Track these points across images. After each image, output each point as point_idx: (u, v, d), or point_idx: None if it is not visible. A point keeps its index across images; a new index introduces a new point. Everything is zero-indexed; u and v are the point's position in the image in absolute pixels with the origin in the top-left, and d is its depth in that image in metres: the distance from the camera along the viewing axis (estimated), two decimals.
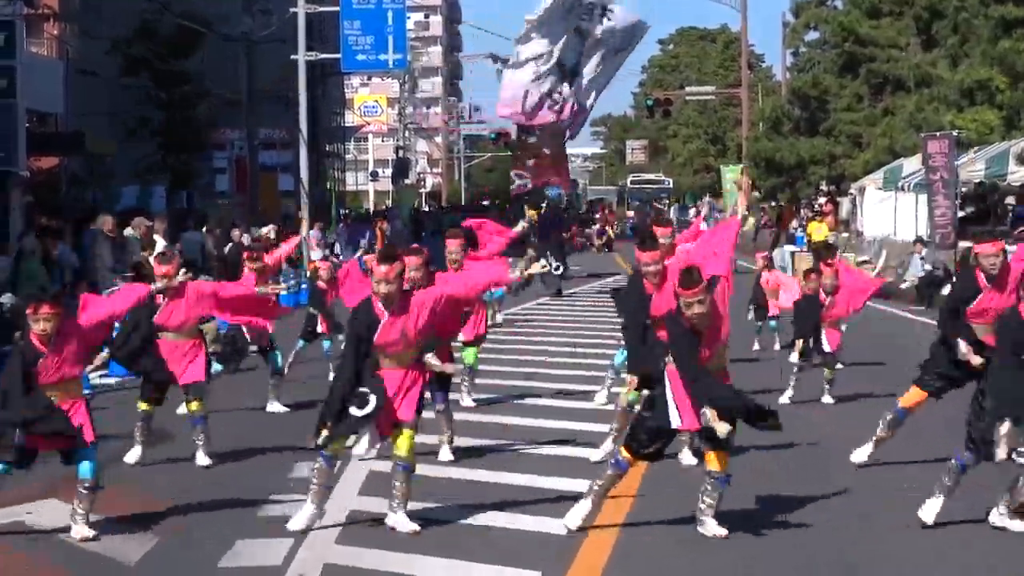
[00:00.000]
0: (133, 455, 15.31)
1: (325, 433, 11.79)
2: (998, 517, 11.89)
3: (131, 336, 15.31)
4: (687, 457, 14.58)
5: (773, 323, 25.88)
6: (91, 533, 12.07)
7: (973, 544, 11.62)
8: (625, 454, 11.89)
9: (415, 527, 11.99)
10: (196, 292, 15.70)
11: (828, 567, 11.15)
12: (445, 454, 15.30)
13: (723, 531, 11.62)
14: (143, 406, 15.45)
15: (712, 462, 11.65)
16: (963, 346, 13.50)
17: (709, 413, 11.29)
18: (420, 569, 11.07)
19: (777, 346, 25.76)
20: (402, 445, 12.07)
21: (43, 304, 12.13)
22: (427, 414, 15.93)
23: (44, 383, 12.05)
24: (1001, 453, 13.29)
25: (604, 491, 11.95)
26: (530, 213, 38.70)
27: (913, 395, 14.51)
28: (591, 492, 11.94)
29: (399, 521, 12.04)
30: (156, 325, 15.33)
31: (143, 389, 15.66)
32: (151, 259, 16.73)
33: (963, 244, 31.97)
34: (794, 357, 19.53)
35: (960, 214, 37.70)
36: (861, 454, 14.73)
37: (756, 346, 25.73)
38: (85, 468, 12.15)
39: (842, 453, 15.01)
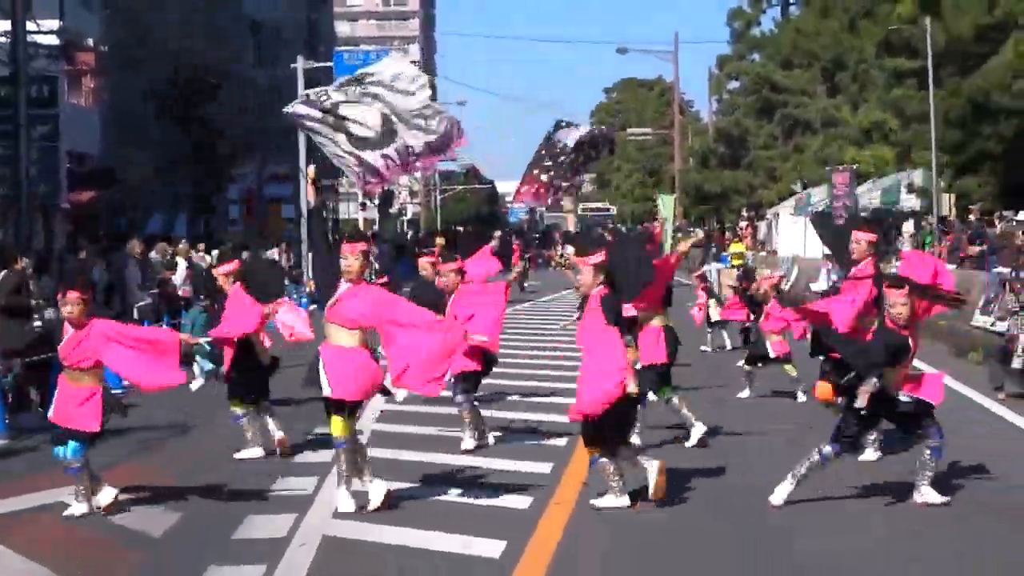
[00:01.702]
0: None
1: None
2: (919, 495, 11.70)
3: None
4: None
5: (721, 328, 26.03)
6: (85, 509, 11.90)
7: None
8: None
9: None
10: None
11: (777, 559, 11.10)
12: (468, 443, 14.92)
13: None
14: None
15: None
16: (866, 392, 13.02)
17: None
18: (402, 538, 10.98)
19: (728, 345, 25.87)
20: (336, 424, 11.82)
21: (71, 289, 11.96)
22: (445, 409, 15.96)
23: (63, 357, 11.90)
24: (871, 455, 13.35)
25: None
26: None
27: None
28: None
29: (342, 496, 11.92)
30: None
31: None
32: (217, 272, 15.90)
33: None
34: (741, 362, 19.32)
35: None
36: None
37: (708, 348, 25.70)
38: (68, 449, 11.89)
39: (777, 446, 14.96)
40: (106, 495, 12.03)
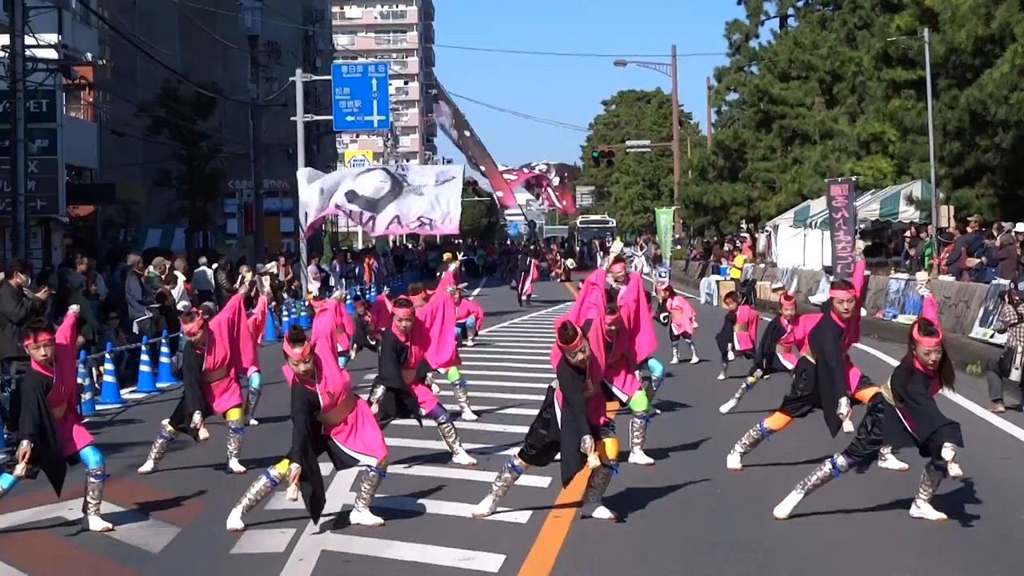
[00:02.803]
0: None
1: None
2: (917, 510, 11.74)
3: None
4: (641, 457, 14.61)
5: (687, 340, 26.01)
6: (107, 525, 11.99)
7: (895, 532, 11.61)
8: (520, 461, 12.07)
9: (379, 520, 11.92)
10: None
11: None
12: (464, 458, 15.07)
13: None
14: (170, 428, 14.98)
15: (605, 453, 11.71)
16: (844, 405, 12.89)
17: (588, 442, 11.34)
18: (401, 553, 11.01)
19: (695, 359, 25.85)
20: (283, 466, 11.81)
21: (40, 332, 11.95)
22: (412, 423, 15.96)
23: (55, 403, 11.88)
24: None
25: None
26: (447, 256, 37.77)
27: (778, 419, 14.16)
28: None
29: (364, 517, 11.97)
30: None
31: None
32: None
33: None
34: (751, 378, 19.01)
35: (859, 247, 37.80)
36: (734, 461, 14.38)
37: (675, 360, 25.56)
38: (90, 458, 12.00)
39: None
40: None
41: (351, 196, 36.94)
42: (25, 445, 11.61)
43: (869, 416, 11.73)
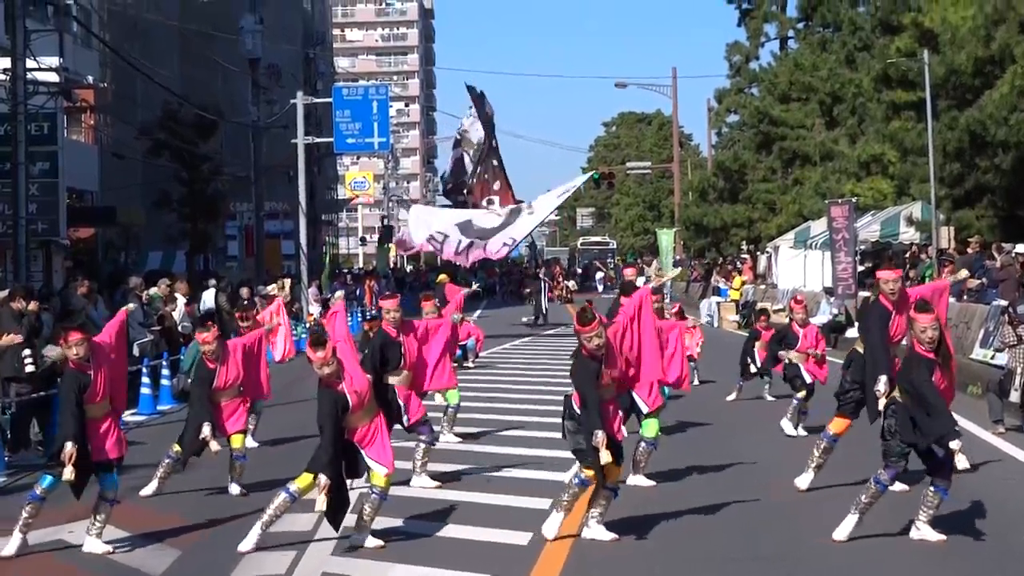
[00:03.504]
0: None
1: None
2: (917, 532, 11.68)
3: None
4: (642, 480, 14.59)
5: (691, 363, 26.00)
6: (108, 548, 11.93)
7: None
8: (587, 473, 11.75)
9: (380, 542, 11.88)
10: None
11: None
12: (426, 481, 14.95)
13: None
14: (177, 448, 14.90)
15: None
16: (882, 383, 12.91)
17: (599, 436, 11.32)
18: (401, 575, 11.01)
19: (695, 381, 25.82)
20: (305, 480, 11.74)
21: (71, 332, 11.97)
22: (443, 445, 15.98)
23: (92, 401, 11.86)
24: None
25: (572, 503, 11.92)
26: (442, 277, 38.28)
27: (838, 423, 14.21)
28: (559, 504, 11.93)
29: (365, 540, 11.90)
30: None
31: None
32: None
33: (863, 294, 31.99)
34: (801, 394, 18.75)
35: (859, 268, 37.80)
36: (803, 480, 14.23)
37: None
38: (108, 482, 11.98)
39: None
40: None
41: (464, 227, 39.16)
42: (70, 447, 11.58)
43: (886, 420, 11.75)
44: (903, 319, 13.36)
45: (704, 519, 12.85)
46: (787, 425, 18.64)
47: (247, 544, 11.71)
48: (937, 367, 11.51)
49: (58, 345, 12.11)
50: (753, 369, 22.70)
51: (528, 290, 58.62)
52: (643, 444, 14.62)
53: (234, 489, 14.85)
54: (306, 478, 11.59)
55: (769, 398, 22.65)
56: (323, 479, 11.32)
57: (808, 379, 19.03)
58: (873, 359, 13.19)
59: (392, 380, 14.60)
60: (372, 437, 11.84)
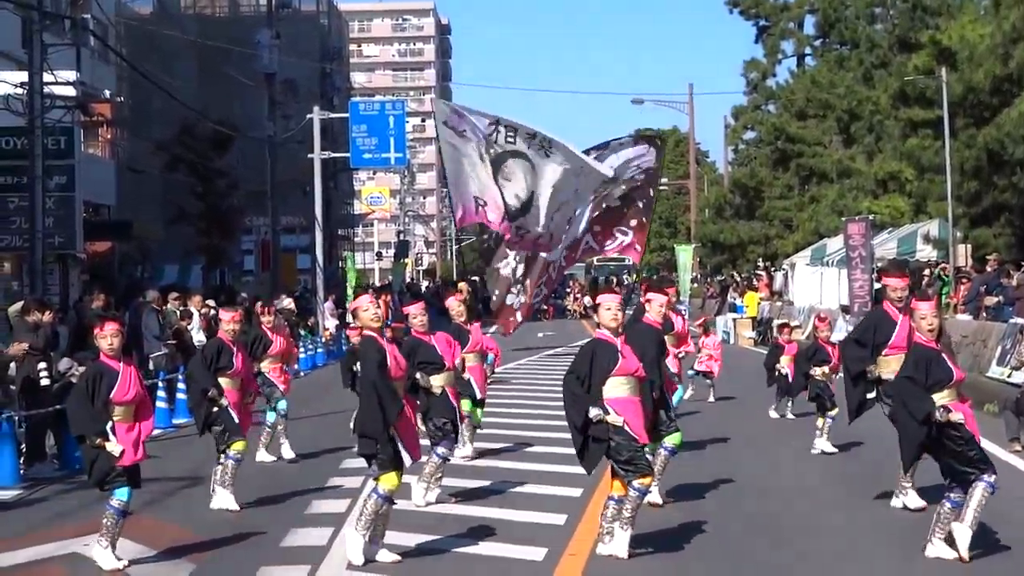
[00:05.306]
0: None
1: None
2: (932, 549, 11.53)
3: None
4: (654, 496, 14.49)
5: (708, 380, 26.03)
6: (117, 564, 11.67)
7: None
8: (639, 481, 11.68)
9: (397, 557, 11.79)
10: None
11: None
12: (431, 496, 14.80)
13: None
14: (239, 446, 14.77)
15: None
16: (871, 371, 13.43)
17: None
18: None
19: (711, 398, 25.87)
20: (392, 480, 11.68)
21: (107, 321, 11.91)
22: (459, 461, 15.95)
23: (120, 401, 11.71)
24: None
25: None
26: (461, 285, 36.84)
27: None
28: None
29: (382, 554, 11.75)
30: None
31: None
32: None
33: None
34: (835, 412, 18.51)
35: (876, 286, 37.80)
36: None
37: (689, 393, 25.44)
38: (123, 491, 11.77)
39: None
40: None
41: (550, 206, 36.30)
42: (100, 441, 11.51)
43: (887, 406, 11.92)
44: (906, 326, 13.36)
45: (720, 538, 12.82)
46: (826, 445, 18.53)
47: (355, 555, 11.53)
48: (945, 353, 11.65)
49: (95, 334, 11.90)
50: (777, 373, 22.86)
51: (545, 307, 58.66)
52: (663, 451, 14.28)
53: (224, 502, 14.73)
54: (391, 477, 11.52)
55: (791, 416, 22.65)
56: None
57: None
58: (843, 356, 13.92)
59: (435, 381, 14.53)
60: (403, 426, 11.72)
